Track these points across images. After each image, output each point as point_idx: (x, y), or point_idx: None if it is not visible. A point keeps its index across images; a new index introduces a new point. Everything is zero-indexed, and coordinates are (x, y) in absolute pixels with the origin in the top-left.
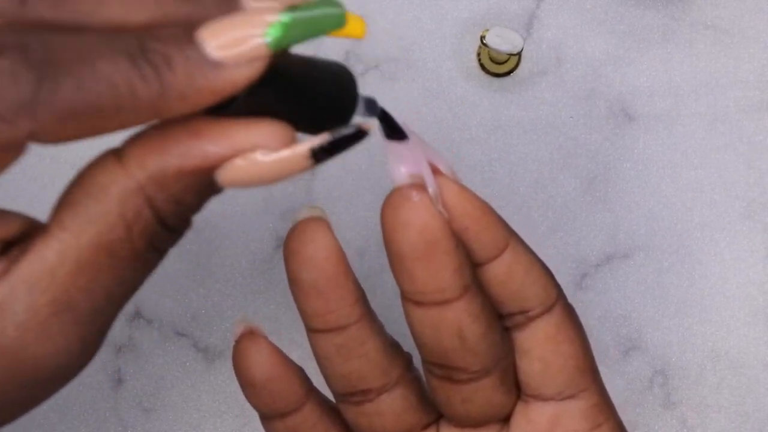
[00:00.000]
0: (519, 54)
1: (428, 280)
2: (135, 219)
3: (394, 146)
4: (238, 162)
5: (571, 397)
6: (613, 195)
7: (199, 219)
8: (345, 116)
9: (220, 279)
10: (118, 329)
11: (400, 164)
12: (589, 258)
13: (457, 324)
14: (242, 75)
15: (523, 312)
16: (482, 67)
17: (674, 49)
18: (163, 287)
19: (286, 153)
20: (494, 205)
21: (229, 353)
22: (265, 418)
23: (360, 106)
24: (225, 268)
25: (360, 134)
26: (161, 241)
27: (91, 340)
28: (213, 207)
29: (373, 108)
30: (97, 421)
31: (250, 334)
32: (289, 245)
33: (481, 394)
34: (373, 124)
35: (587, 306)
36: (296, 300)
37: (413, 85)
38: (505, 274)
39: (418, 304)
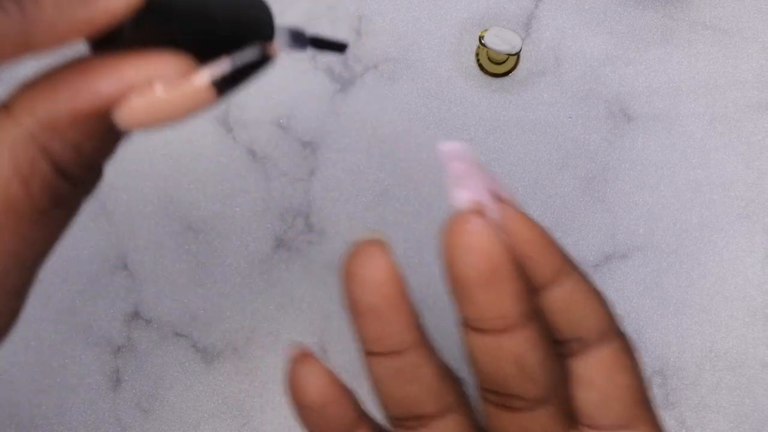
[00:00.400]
0: (518, 54)
1: (490, 306)
2: (31, 172)
3: (455, 172)
4: (135, 99)
5: (626, 428)
6: (611, 195)
7: (198, 219)
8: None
9: (219, 279)
10: (117, 329)
11: (462, 189)
12: (588, 258)
13: (517, 351)
14: (119, 1)
15: (579, 340)
16: (481, 67)
17: (673, 49)
18: (161, 287)
19: (183, 85)
20: None
21: (228, 353)
22: None
23: (283, 38)
24: (224, 268)
25: (264, 58)
26: (66, 195)
27: (3, 304)
28: (213, 207)
29: (300, 40)
30: (96, 421)
31: (304, 357)
32: (348, 268)
33: (537, 423)
34: (280, 46)
35: None
36: (354, 323)
37: (412, 85)
38: (562, 300)
39: (478, 330)
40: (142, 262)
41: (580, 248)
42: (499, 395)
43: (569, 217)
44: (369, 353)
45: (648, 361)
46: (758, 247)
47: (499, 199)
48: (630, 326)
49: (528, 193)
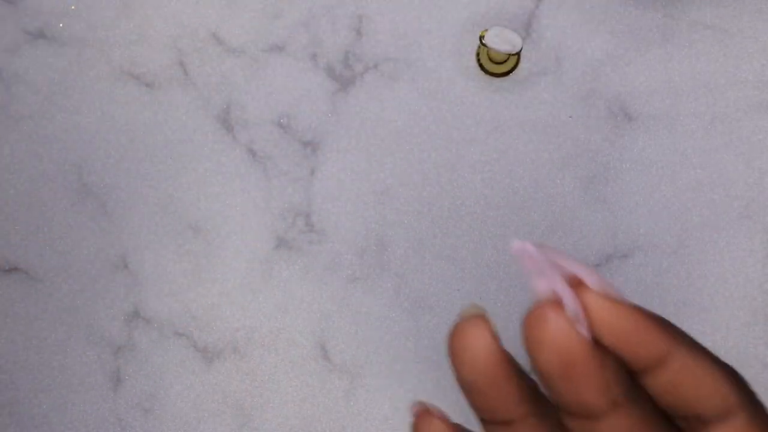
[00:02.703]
0: (518, 54)
1: (571, 397)
2: None
3: (529, 267)
4: None
5: None
6: (612, 195)
7: (198, 219)
8: None
9: (219, 279)
10: (117, 329)
11: (539, 280)
12: (589, 258)
13: None
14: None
15: (698, 417)
16: (481, 67)
17: (673, 49)
18: (162, 287)
19: None
20: (494, 204)
21: (228, 353)
22: None
23: None
24: (224, 268)
25: None
26: None
27: None
28: (213, 207)
29: None
30: (96, 420)
31: (425, 414)
32: (450, 346)
33: None
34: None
35: None
36: (462, 392)
37: (413, 85)
38: (670, 384)
39: (569, 413)
40: (142, 262)
41: (581, 248)
42: None
43: (570, 217)
44: (480, 419)
45: None
46: (759, 247)
47: (583, 287)
48: None
49: (528, 193)
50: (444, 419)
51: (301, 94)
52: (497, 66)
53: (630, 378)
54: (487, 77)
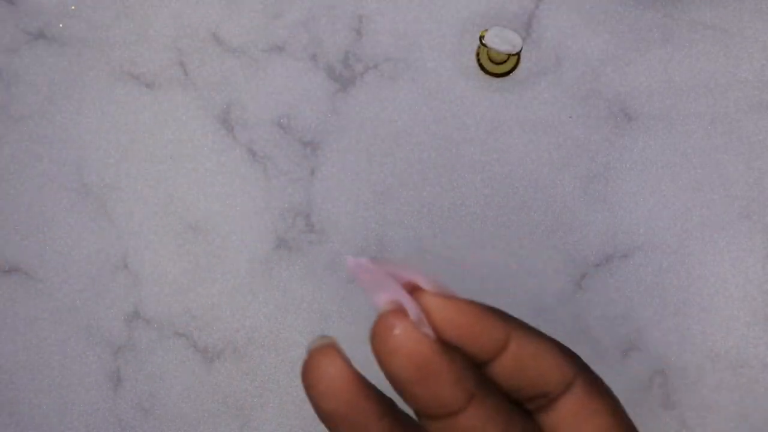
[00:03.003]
0: (518, 54)
1: (429, 399)
2: None
3: (367, 282)
4: None
5: None
6: (612, 195)
7: (199, 219)
8: None
9: (219, 279)
10: (117, 329)
11: (379, 294)
12: (589, 258)
13: (472, 429)
14: None
15: (545, 395)
16: (481, 67)
17: (674, 49)
18: (162, 287)
19: None
20: (494, 204)
21: (228, 353)
22: None
23: None
24: (224, 268)
25: None
26: None
27: None
28: (213, 207)
29: None
30: (96, 420)
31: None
32: (305, 379)
33: None
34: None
35: (586, 306)
36: (324, 424)
37: (413, 85)
38: (513, 367)
39: (429, 417)
40: (143, 262)
41: (581, 248)
42: None
43: (570, 217)
44: None
45: (649, 361)
46: (759, 246)
47: (420, 291)
48: (631, 326)
49: (528, 193)
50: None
51: (301, 94)
52: (497, 66)
53: (478, 370)
54: (487, 77)
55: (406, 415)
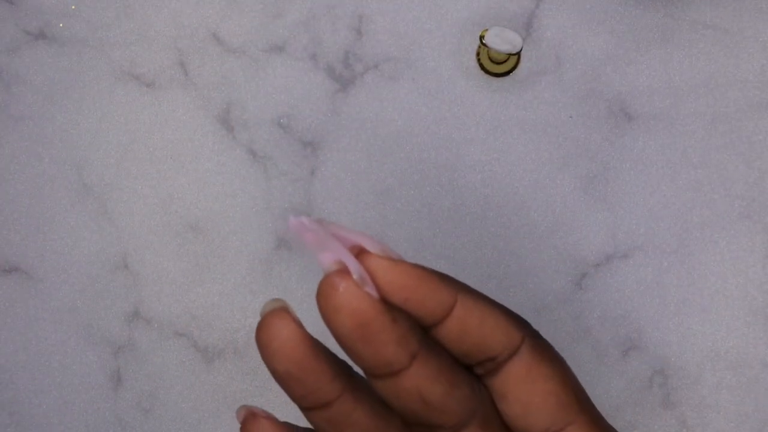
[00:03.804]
0: (518, 54)
1: (372, 357)
2: None
3: (311, 242)
4: None
5: (559, 431)
6: (612, 195)
7: (199, 218)
8: None
9: (219, 279)
10: (117, 329)
11: (323, 252)
12: (589, 258)
13: (416, 389)
14: None
15: (492, 359)
16: (482, 66)
17: (674, 48)
18: (162, 287)
19: None
20: (494, 204)
21: (228, 353)
22: None
23: None
24: (224, 268)
25: None
26: None
27: None
28: (213, 207)
29: None
30: (96, 420)
31: (251, 416)
32: (258, 341)
33: None
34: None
35: (587, 306)
36: (279, 385)
37: (413, 85)
38: (458, 330)
39: (375, 376)
40: (142, 262)
41: (581, 248)
42: (423, 426)
43: (570, 216)
44: (300, 408)
45: (649, 360)
46: (759, 246)
47: (365, 253)
48: (631, 326)
49: (528, 193)
50: (271, 419)
51: (301, 94)
52: (497, 66)
53: (423, 332)
54: (487, 77)
55: (361, 378)
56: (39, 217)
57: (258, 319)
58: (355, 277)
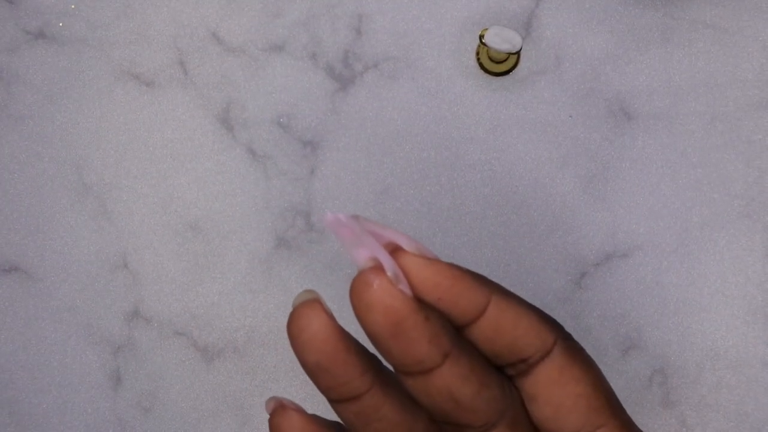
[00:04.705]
0: (518, 53)
1: (403, 355)
2: None
3: (346, 238)
4: None
5: None
6: (612, 194)
7: (198, 218)
8: None
9: (219, 278)
10: (117, 328)
11: (358, 250)
12: (589, 257)
13: (447, 388)
14: None
15: (524, 360)
16: (481, 66)
17: (673, 48)
18: (161, 286)
19: None
20: (494, 204)
21: (228, 352)
22: None
23: None
24: (224, 268)
25: None
26: None
27: None
28: (213, 206)
29: None
30: (96, 420)
31: (281, 408)
32: (289, 331)
33: None
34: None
35: (586, 305)
36: (309, 377)
37: (413, 85)
38: (491, 331)
39: (406, 374)
40: (142, 261)
41: (581, 247)
42: (452, 425)
43: (569, 216)
44: (329, 400)
45: (648, 360)
46: (759, 245)
47: (400, 251)
48: (630, 325)
49: (528, 192)
50: (299, 411)
51: (300, 94)
52: (497, 65)
53: (455, 331)
54: (487, 76)
55: (390, 373)
56: (39, 217)
57: (258, 318)
58: (389, 274)
